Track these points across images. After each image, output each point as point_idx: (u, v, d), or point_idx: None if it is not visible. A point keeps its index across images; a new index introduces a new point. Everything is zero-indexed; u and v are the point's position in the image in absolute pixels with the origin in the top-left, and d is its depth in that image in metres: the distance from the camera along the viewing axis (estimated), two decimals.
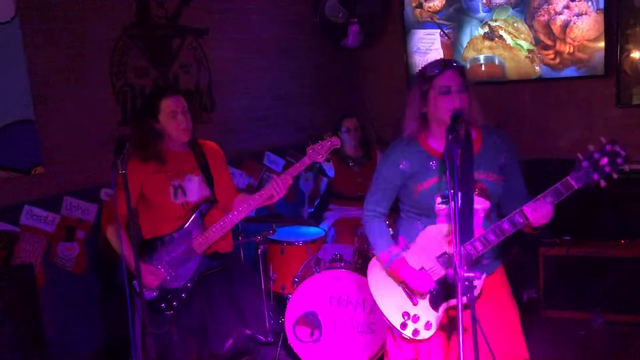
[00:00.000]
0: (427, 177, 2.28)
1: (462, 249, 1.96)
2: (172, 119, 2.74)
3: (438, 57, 5.03)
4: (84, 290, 3.57)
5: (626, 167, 1.97)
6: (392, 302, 2.40)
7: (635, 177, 4.25)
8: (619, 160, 1.96)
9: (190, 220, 2.77)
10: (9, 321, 2.51)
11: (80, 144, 3.54)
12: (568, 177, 2.02)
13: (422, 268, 2.30)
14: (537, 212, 2.06)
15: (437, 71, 2.22)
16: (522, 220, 2.09)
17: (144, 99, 3.14)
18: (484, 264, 2.29)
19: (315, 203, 4.78)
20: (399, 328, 2.35)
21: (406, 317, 2.34)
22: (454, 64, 2.25)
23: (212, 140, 3.06)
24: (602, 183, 1.99)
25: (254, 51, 4.75)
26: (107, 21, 3.67)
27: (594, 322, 3.88)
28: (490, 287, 2.29)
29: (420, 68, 2.35)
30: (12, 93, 3.21)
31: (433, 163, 2.28)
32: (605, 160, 1.97)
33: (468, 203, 2.14)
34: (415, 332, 2.32)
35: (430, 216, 2.30)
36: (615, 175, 1.98)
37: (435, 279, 2.28)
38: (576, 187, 2.01)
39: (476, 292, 2.22)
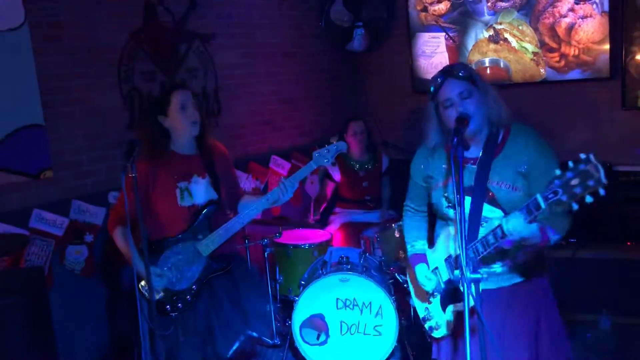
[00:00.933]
0: (438, 180, 2.30)
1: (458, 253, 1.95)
2: (182, 111, 2.75)
3: (443, 61, 5.10)
4: (92, 293, 3.60)
5: (601, 191, 1.66)
6: (419, 295, 2.48)
7: None
8: (591, 183, 1.66)
9: (196, 223, 2.79)
10: (19, 323, 2.53)
11: (89, 148, 3.58)
12: (537, 195, 1.82)
13: (437, 267, 2.33)
14: (512, 228, 1.92)
15: (437, 85, 2.19)
16: (502, 234, 1.97)
17: (153, 96, 3.14)
18: (496, 272, 2.24)
19: (322, 208, 4.80)
20: (422, 321, 2.44)
21: (427, 312, 2.41)
22: (453, 72, 2.18)
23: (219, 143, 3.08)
24: (574, 206, 1.72)
25: (260, 55, 4.78)
26: (114, 26, 3.71)
27: (601, 324, 3.88)
28: (497, 302, 2.22)
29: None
30: (21, 98, 3.25)
31: (445, 166, 2.28)
32: (576, 181, 1.70)
33: (476, 209, 2.14)
34: (431, 329, 2.38)
35: (444, 218, 2.32)
36: (588, 199, 1.69)
37: (444, 279, 2.29)
38: (544, 207, 1.80)
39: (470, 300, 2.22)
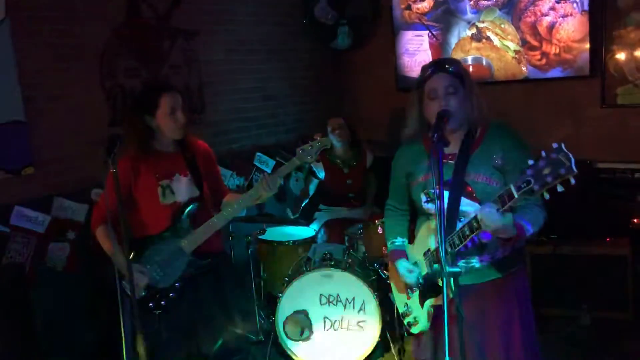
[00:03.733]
0: (418, 176, 2.31)
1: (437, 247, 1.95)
2: (171, 115, 2.73)
3: (426, 59, 5.13)
4: (75, 290, 3.57)
5: (572, 180, 1.68)
6: (399, 291, 2.49)
7: (619, 177, 4.32)
8: (562, 171, 1.68)
9: (179, 221, 2.77)
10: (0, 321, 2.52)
11: (71, 145, 3.55)
12: (510, 185, 1.83)
13: (416, 262, 2.34)
14: (485, 218, 1.92)
15: (426, 75, 2.21)
16: (477, 225, 1.97)
17: (140, 93, 3.10)
18: (475, 267, 2.24)
19: (302, 206, 4.80)
20: (401, 317, 2.45)
21: (406, 308, 2.42)
22: (445, 66, 2.20)
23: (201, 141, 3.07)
24: (546, 196, 1.75)
25: (244, 52, 4.77)
26: (97, 22, 3.68)
27: (580, 319, 3.93)
28: (474, 298, 2.20)
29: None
30: (2, 94, 3.21)
31: (425, 161, 2.29)
32: (547, 170, 1.71)
33: (454, 204, 2.16)
34: (409, 324, 2.39)
35: (424, 213, 2.33)
36: (559, 189, 1.71)
37: (422, 274, 2.31)
38: (517, 197, 1.81)
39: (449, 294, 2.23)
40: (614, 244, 4.05)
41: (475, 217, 1.98)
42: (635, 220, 4.28)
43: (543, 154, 1.74)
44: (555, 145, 1.72)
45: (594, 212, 4.33)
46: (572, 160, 1.68)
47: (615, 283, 3.92)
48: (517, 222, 2.01)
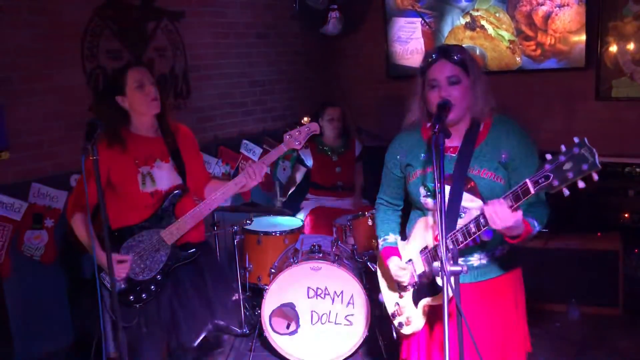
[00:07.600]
0: (416, 168, 2.21)
1: (437, 244, 1.87)
2: (140, 89, 2.61)
3: (419, 47, 5.03)
4: (52, 280, 3.46)
5: (594, 176, 1.61)
6: (389, 290, 2.39)
7: (611, 170, 4.28)
8: (585, 167, 1.59)
9: (160, 210, 2.66)
10: None
11: (49, 128, 3.43)
12: (527, 180, 1.75)
13: (410, 260, 2.24)
14: (495, 215, 1.83)
15: (429, 62, 2.11)
16: (484, 222, 1.89)
17: (108, 78, 3.00)
18: (474, 265, 2.17)
19: (289, 193, 4.71)
20: (391, 317, 2.34)
21: (396, 308, 2.32)
22: (449, 53, 2.09)
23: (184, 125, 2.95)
24: (565, 192, 1.66)
25: (232, 36, 4.64)
26: (78, 0, 3.53)
27: (569, 313, 3.90)
28: (472, 297, 2.15)
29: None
30: None
31: (424, 154, 2.20)
32: (569, 165, 1.63)
33: (454, 199, 2.06)
34: (400, 324, 2.30)
35: (421, 209, 2.23)
36: (580, 184, 1.63)
37: (418, 272, 2.22)
38: (533, 193, 1.74)
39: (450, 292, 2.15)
40: (605, 238, 4.01)
41: (482, 214, 1.89)
42: (626, 215, 4.25)
43: (563, 148, 1.64)
44: (576, 139, 1.62)
45: (585, 206, 4.28)
46: (596, 155, 1.59)
47: (605, 278, 3.89)
48: (524, 219, 1.92)
